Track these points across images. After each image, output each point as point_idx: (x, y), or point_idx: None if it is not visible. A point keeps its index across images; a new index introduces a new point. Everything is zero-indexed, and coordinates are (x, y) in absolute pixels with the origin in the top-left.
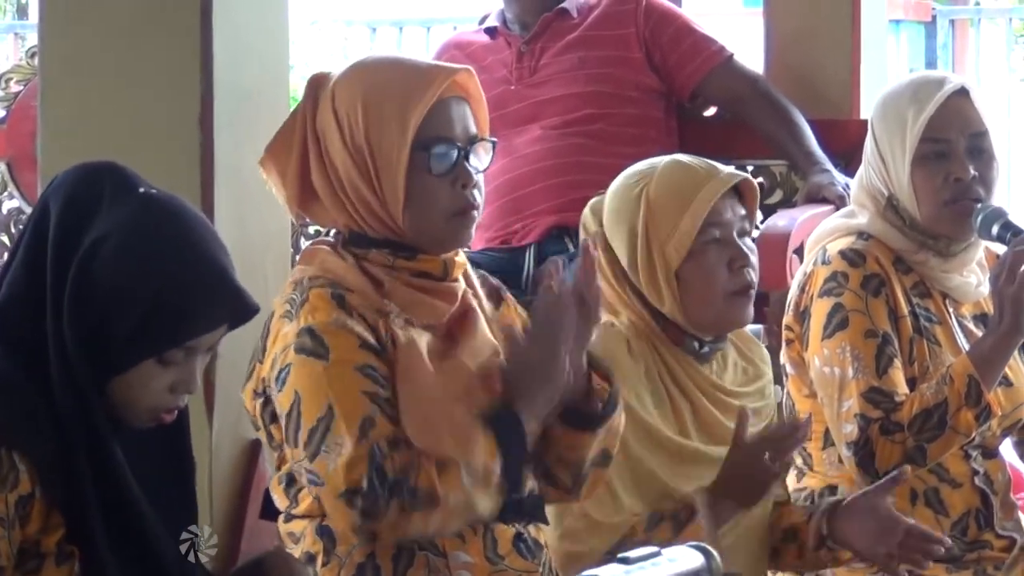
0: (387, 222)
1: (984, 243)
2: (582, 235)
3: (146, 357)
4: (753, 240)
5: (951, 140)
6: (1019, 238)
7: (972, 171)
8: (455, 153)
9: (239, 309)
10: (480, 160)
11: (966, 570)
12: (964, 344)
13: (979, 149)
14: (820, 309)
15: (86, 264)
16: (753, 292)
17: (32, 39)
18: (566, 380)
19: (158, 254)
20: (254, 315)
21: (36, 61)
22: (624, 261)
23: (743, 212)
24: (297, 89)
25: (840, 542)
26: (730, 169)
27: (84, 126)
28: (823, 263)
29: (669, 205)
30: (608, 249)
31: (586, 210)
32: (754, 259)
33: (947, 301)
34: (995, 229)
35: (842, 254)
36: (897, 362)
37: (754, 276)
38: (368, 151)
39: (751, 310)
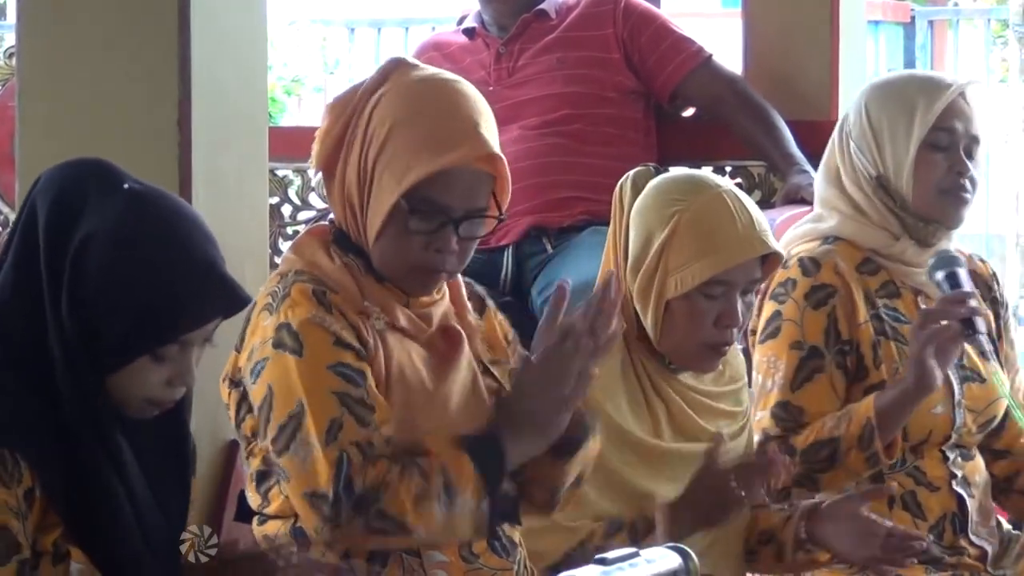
0: (359, 236)
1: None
2: (614, 200)
3: (139, 355)
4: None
5: (958, 131)
6: (946, 296)
7: (970, 168)
8: (439, 221)
9: (230, 300)
10: (475, 229)
11: (945, 572)
12: None
13: (972, 152)
14: (765, 312)
15: (77, 263)
16: (728, 349)
17: (10, 39)
18: (559, 430)
19: (145, 252)
20: (246, 305)
21: (14, 61)
22: (630, 260)
23: (758, 276)
24: (275, 89)
25: (820, 545)
26: (767, 235)
27: (62, 127)
28: (783, 267)
29: (691, 243)
30: (627, 234)
31: (628, 180)
32: (744, 318)
33: (919, 298)
34: (939, 275)
35: (799, 261)
36: (822, 378)
37: (736, 335)
38: (370, 177)
39: (719, 362)
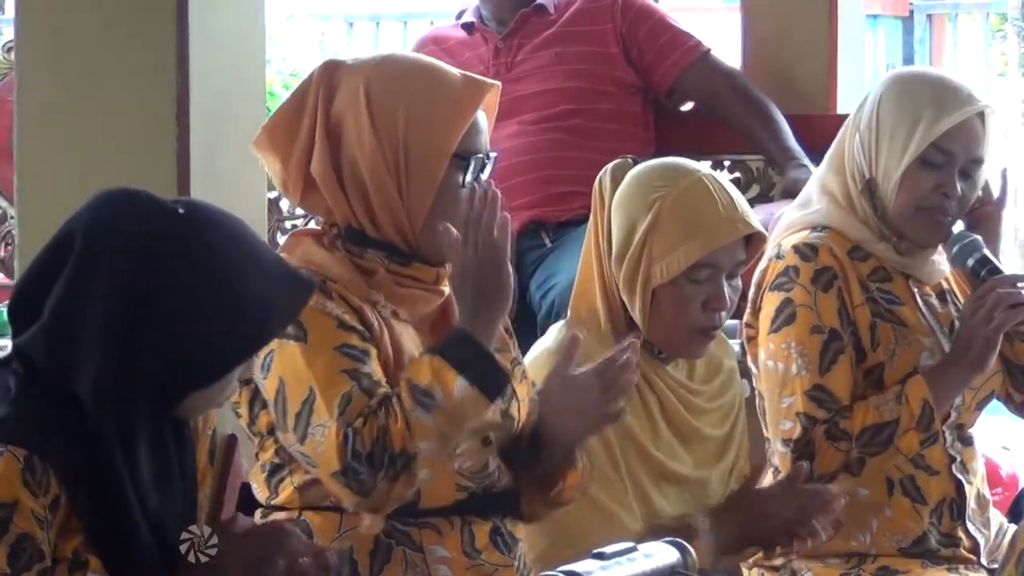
0: (400, 223)
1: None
2: (594, 193)
3: (239, 362)
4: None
5: (955, 154)
6: (999, 277)
7: (959, 190)
8: (478, 168)
9: (306, 288)
10: (486, 173)
11: (940, 566)
12: (931, 322)
13: (971, 173)
14: (770, 303)
15: (158, 301)
16: (716, 333)
17: (8, 33)
18: (511, 286)
19: (224, 271)
20: (315, 288)
21: (12, 56)
22: (614, 250)
23: (742, 258)
24: (273, 83)
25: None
26: (748, 216)
27: (61, 121)
28: (777, 258)
29: (675, 228)
30: (609, 226)
31: (607, 173)
32: (732, 302)
33: (910, 281)
34: (970, 262)
35: (795, 248)
36: (844, 359)
37: (724, 318)
38: (405, 152)
39: (710, 347)
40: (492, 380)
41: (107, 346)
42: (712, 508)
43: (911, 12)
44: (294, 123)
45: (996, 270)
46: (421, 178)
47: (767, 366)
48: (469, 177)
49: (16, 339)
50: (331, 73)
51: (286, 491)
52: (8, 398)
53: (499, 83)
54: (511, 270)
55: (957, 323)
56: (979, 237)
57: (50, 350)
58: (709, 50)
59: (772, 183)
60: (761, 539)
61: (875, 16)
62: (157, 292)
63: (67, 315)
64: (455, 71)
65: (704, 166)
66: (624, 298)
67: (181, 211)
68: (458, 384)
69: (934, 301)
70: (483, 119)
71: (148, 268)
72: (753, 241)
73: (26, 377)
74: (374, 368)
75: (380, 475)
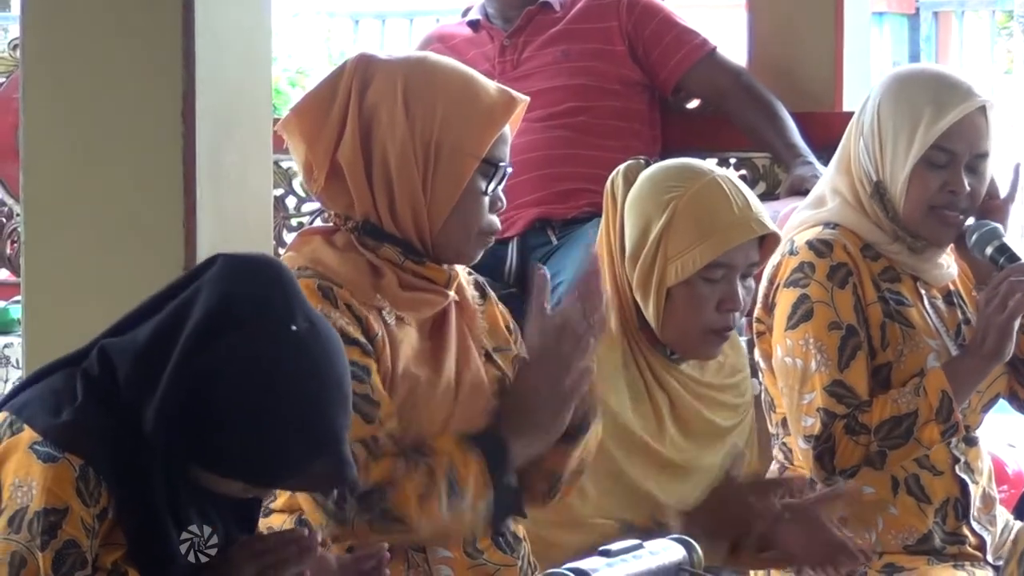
0: (420, 219)
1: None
2: (606, 194)
3: (235, 480)
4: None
5: (958, 153)
6: (1013, 265)
7: (967, 186)
8: (498, 177)
9: (337, 481)
10: (502, 184)
11: (946, 563)
12: (937, 324)
13: (977, 167)
14: (785, 299)
15: (211, 373)
16: (730, 334)
17: (15, 31)
18: (561, 429)
19: (277, 406)
20: (348, 485)
21: (18, 53)
22: (628, 250)
23: (756, 259)
24: (279, 81)
25: (771, 542)
26: (763, 216)
27: (66, 119)
28: (791, 254)
29: (690, 228)
30: (622, 226)
31: (619, 174)
32: (745, 302)
33: (918, 283)
34: (989, 250)
35: (809, 244)
36: (861, 355)
37: (737, 319)
38: (436, 149)
39: (722, 348)
40: (507, 512)
41: (175, 388)
42: (688, 506)
43: (917, 9)
44: (324, 108)
45: (1015, 258)
46: (448, 177)
47: (784, 363)
48: (492, 185)
49: (109, 337)
50: (366, 64)
51: (284, 495)
52: (74, 403)
53: (528, 99)
54: (569, 415)
55: (963, 326)
56: (999, 225)
57: (134, 373)
58: (715, 48)
59: (778, 180)
60: (740, 533)
61: (881, 13)
62: (210, 372)
63: (157, 348)
64: (488, 80)
65: (718, 167)
66: (637, 298)
67: (294, 327)
68: (484, 503)
69: (941, 304)
70: (508, 131)
71: (217, 342)
72: (766, 242)
73: (103, 383)
74: (374, 384)
75: (363, 516)
